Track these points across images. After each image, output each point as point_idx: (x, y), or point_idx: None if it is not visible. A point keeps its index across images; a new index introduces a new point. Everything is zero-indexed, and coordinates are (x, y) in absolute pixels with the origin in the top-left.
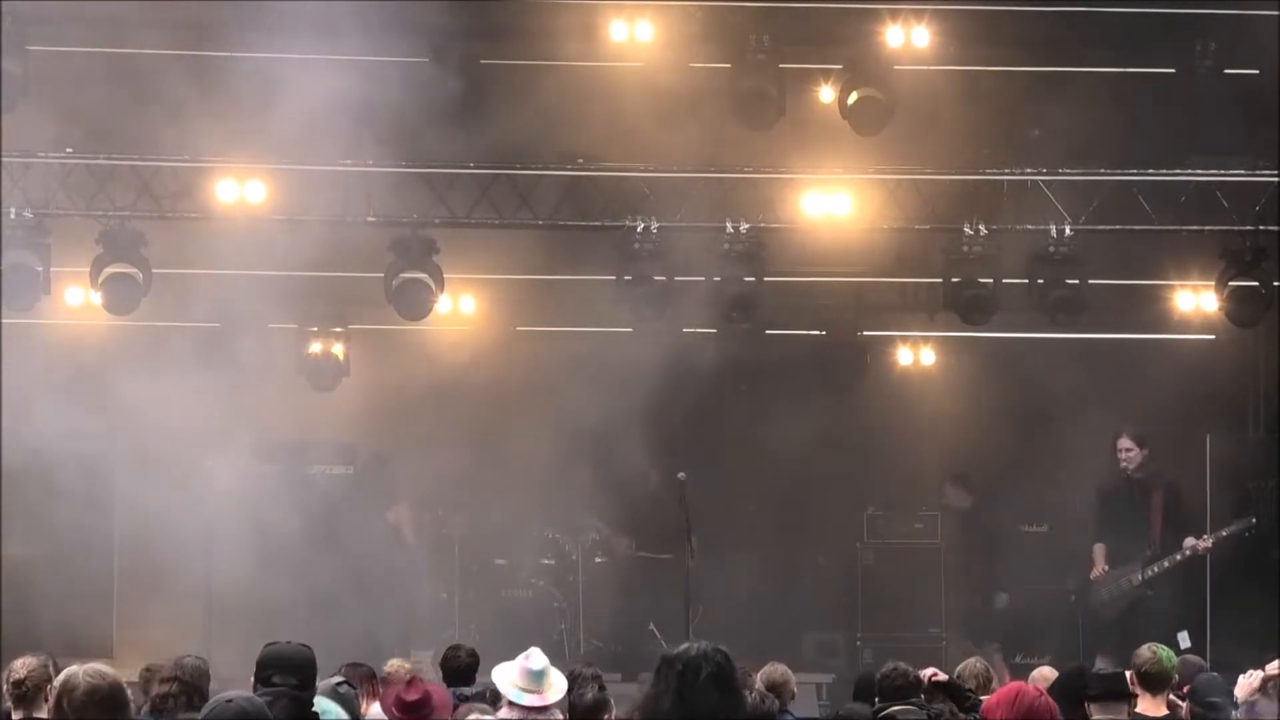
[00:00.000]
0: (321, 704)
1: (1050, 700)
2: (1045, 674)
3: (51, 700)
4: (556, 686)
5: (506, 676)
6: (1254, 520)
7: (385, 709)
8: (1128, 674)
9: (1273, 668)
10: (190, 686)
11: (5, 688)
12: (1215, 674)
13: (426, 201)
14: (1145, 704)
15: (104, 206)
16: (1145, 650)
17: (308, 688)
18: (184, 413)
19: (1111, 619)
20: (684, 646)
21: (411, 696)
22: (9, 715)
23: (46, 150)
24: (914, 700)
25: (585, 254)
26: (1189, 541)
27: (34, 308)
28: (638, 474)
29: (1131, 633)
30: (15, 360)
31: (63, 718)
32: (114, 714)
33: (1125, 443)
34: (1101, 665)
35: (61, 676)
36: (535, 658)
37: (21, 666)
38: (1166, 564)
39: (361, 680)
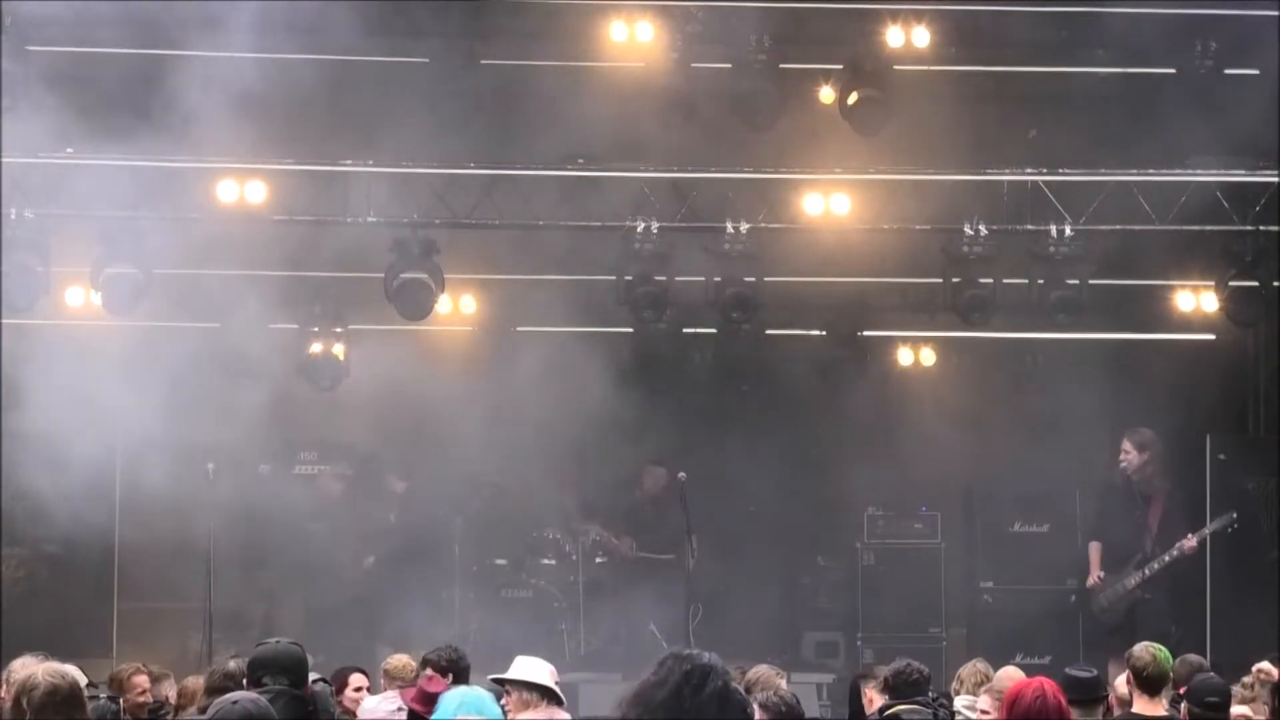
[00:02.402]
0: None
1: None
2: (1011, 674)
3: (10, 699)
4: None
5: (539, 676)
6: (1235, 516)
7: (407, 701)
8: (1124, 675)
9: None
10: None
11: (4, 688)
12: (1213, 674)
13: (426, 201)
14: (1143, 704)
15: (104, 206)
16: (1143, 652)
17: (300, 685)
18: (184, 412)
19: (1113, 624)
20: (696, 652)
21: (435, 689)
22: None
23: (46, 150)
24: (921, 699)
25: (585, 254)
26: (1179, 543)
27: (34, 308)
28: (637, 474)
29: (1134, 634)
30: (16, 359)
31: (20, 717)
32: (72, 714)
33: (1125, 445)
34: (1113, 669)
35: (21, 676)
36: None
37: (21, 667)
38: (1157, 565)
39: (339, 678)
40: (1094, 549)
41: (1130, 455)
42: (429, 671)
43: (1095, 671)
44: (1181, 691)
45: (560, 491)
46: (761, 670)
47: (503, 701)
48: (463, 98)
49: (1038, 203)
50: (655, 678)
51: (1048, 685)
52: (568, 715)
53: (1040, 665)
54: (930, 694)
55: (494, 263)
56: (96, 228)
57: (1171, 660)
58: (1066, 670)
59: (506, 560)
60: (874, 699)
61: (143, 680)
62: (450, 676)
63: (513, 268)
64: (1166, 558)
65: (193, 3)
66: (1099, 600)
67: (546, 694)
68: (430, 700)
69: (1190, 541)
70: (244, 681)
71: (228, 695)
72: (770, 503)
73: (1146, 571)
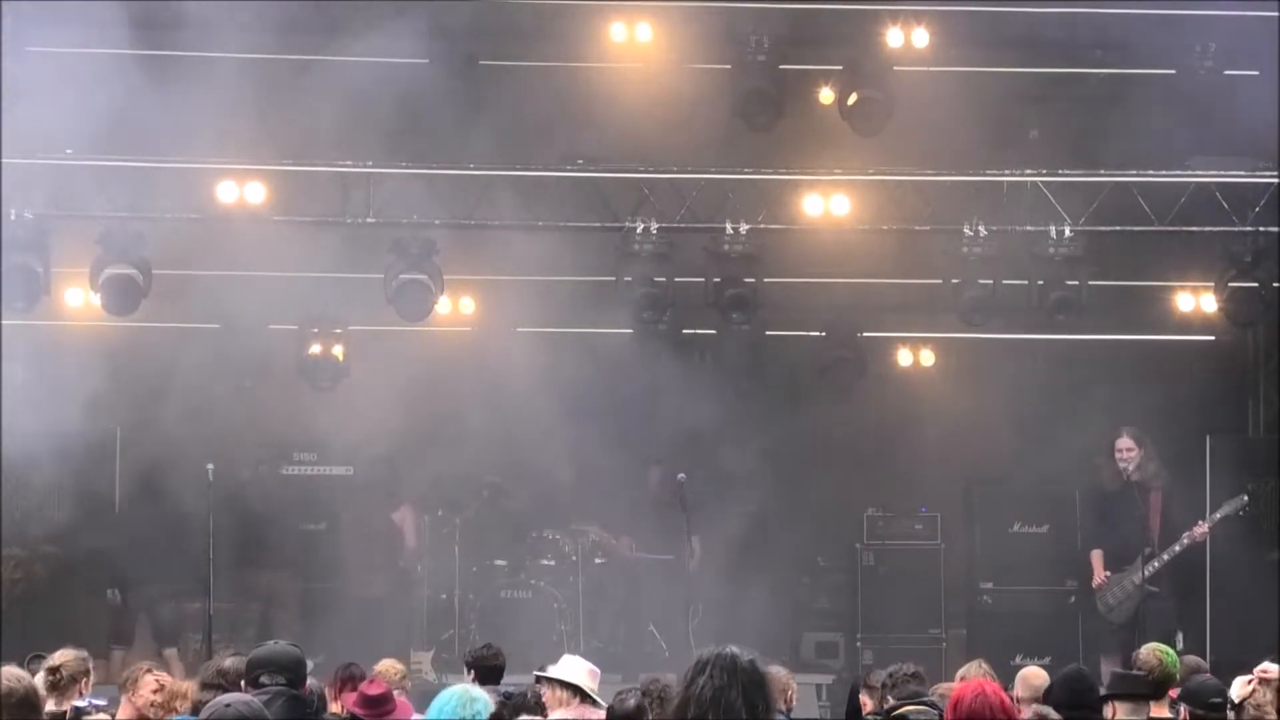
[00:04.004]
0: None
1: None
2: (1035, 671)
3: None
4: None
5: (577, 678)
6: (1246, 499)
7: (348, 705)
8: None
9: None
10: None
11: (42, 676)
12: (1209, 675)
13: (426, 201)
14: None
15: (104, 207)
16: (1149, 655)
17: (298, 685)
18: (184, 413)
19: (1121, 622)
20: (729, 647)
21: (374, 691)
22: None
23: (46, 150)
24: (926, 699)
25: (585, 254)
26: (1184, 534)
27: (34, 308)
28: (638, 475)
29: (1138, 634)
30: (15, 360)
31: None
32: (27, 715)
33: (1125, 443)
34: (1105, 668)
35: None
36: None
37: (59, 656)
38: (1167, 557)
39: (343, 680)
40: (1095, 556)
41: (1132, 453)
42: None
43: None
44: (1174, 695)
45: (560, 492)
46: (783, 671)
47: (544, 696)
48: (463, 98)
49: (1038, 203)
50: (719, 683)
51: (987, 685)
52: (602, 715)
53: (1040, 665)
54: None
55: (494, 263)
56: (96, 228)
57: (1177, 661)
58: (1117, 670)
59: (506, 561)
60: (867, 703)
61: (152, 680)
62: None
63: (513, 268)
64: (1177, 547)
65: (193, 2)
66: (1105, 599)
67: (578, 693)
68: (371, 704)
69: (1201, 528)
70: (240, 680)
71: (221, 698)
72: (770, 503)
73: (1156, 564)
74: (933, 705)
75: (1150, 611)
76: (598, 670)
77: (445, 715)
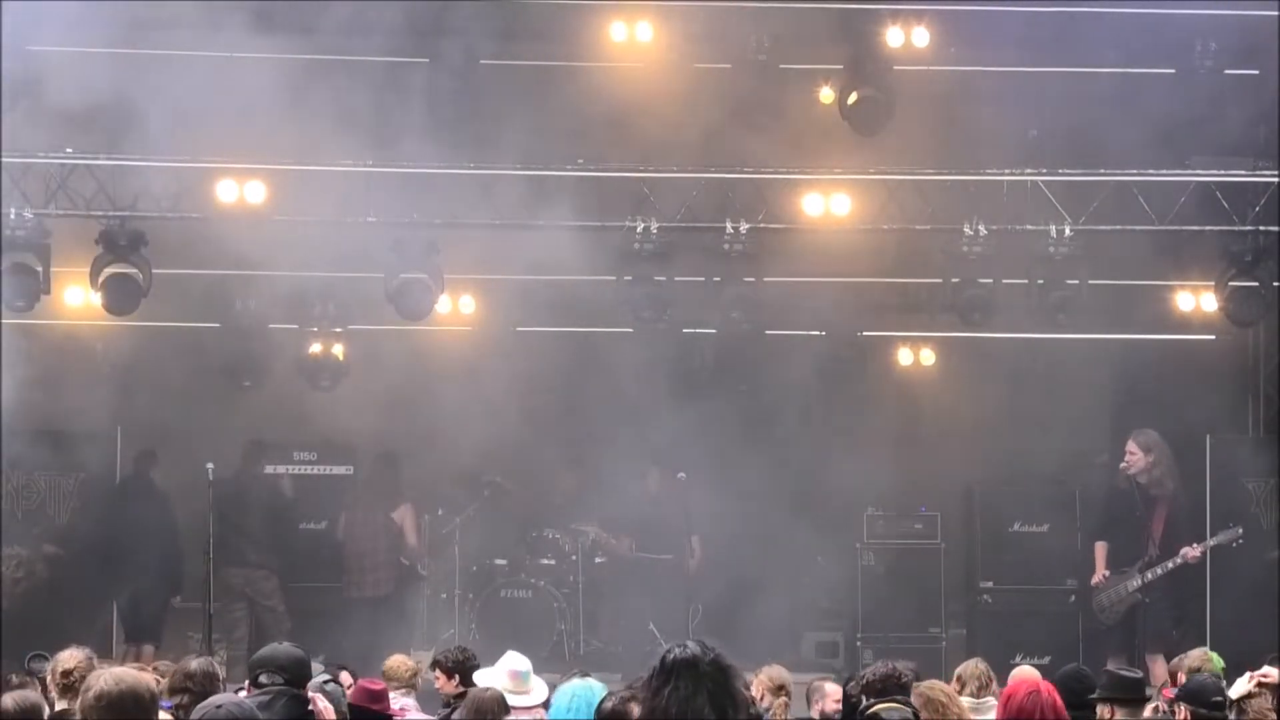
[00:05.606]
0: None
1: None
2: (1027, 671)
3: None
4: (539, 688)
5: (494, 681)
6: (1240, 531)
7: (351, 698)
8: (1178, 676)
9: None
10: (200, 695)
11: (51, 679)
12: (1208, 675)
13: (426, 201)
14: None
15: (104, 206)
16: (1198, 654)
17: (299, 685)
18: (184, 412)
19: (1111, 623)
20: (690, 645)
21: (377, 686)
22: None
23: (46, 150)
24: (899, 698)
25: (585, 254)
26: (1183, 550)
27: (34, 308)
28: (638, 474)
29: (1132, 635)
30: (16, 360)
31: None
32: (135, 715)
33: (1130, 446)
34: (1114, 667)
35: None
36: (518, 659)
37: (69, 659)
38: (1160, 571)
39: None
40: (1100, 548)
41: (1135, 457)
42: (399, 672)
43: (1141, 672)
44: (1169, 696)
45: (560, 491)
46: (778, 672)
47: None
48: (463, 98)
49: (1038, 203)
50: (685, 691)
51: (1043, 685)
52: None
53: (1040, 665)
54: None
55: (494, 263)
56: (96, 228)
57: (1223, 665)
58: (1110, 669)
59: (506, 560)
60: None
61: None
62: (457, 678)
63: (513, 268)
64: (1170, 564)
65: (193, 2)
66: (1099, 599)
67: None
68: (374, 698)
69: (1194, 551)
70: (207, 683)
71: (212, 699)
72: (770, 503)
73: (1149, 575)
74: (906, 703)
75: (1145, 616)
76: (519, 669)
77: (580, 715)
